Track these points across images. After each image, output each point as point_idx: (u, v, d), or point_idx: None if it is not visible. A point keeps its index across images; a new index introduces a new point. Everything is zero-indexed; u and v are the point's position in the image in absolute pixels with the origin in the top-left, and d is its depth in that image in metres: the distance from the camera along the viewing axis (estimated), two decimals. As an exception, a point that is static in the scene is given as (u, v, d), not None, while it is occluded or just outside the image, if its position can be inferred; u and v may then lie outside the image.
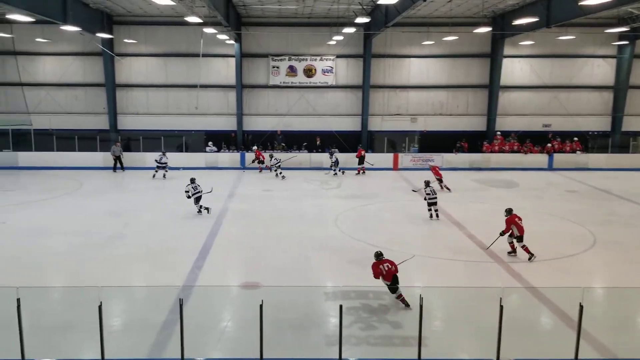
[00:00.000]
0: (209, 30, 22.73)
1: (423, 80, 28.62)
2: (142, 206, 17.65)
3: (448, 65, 28.56)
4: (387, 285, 9.67)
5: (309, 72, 28.13)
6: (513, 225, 12.44)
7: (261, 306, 7.00)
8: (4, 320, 7.84)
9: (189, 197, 16.29)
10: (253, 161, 25.33)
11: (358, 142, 28.18)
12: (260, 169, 25.08)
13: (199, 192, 16.36)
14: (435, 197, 16.06)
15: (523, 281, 11.11)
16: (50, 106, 27.96)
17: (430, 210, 16.16)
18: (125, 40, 26.85)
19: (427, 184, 16.41)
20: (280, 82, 28.14)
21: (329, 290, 10.38)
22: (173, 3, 16.28)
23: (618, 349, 8.27)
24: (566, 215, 16.92)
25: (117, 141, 25.44)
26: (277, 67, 28.05)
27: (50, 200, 18.50)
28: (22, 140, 26.67)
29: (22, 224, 15.24)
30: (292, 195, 19.77)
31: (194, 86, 26.93)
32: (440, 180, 20.48)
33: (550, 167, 26.55)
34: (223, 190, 20.38)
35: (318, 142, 27.74)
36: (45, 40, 26.44)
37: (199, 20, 19.03)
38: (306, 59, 28.03)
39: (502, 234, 12.61)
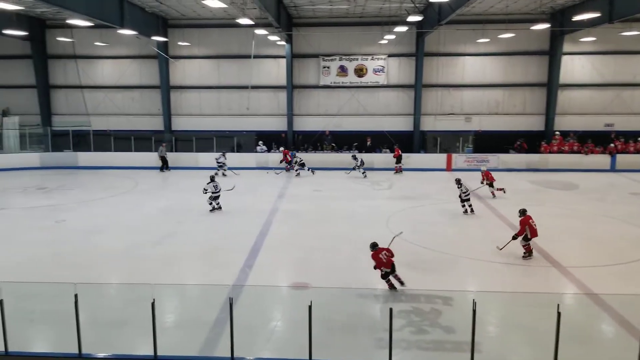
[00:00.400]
0: (260, 31, 22.97)
1: (478, 78, 27.92)
2: (195, 205, 17.97)
3: (504, 63, 27.72)
4: (385, 272, 10.08)
5: (360, 71, 27.97)
6: (527, 227, 12.04)
7: (310, 307, 6.94)
8: (62, 315, 8.07)
9: (205, 192, 16.82)
10: (281, 162, 25.35)
11: (410, 142, 27.83)
12: (287, 169, 25.08)
13: (218, 190, 16.82)
14: (469, 194, 16.70)
15: (582, 287, 10.60)
16: (108, 108, 29.03)
17: (464, 206, 16.70)
18: (179, 43, 27.52)
19: (458, 181, 16.88)
20: (331, 82, 28.10)
21: (379, 293, 10.21)
22: (225, 6, 16.50)
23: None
24: (628, 218, 16.06)
25: (163, 142, 26.15)
26: (328, 67, 28.03)
27: (107, 199, 19.15)
28: (81, 140, 27.84)
29: (81, 222, 15.78)
30: (343, 196, 19.67)
31: (245, 87, 27.29)
32: (490, 185, 19.55)
33: (613, 169, 25.32)
34: (273, 190, 20.56)
35: (369, 143, 27.52)
36: (104, 44, 27.53)
37: (251, 22, 19.21)
38: (357, 59, 27.88)
39: (516, 237, 12.21)
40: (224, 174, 23.73)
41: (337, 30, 27.36)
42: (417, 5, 22.33)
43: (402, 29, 22.50)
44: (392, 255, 10.11)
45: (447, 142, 27.42)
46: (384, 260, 10.06)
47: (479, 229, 15.25)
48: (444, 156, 26.08)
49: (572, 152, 26.04)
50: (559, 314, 6.90)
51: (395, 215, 16.62)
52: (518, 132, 27.66)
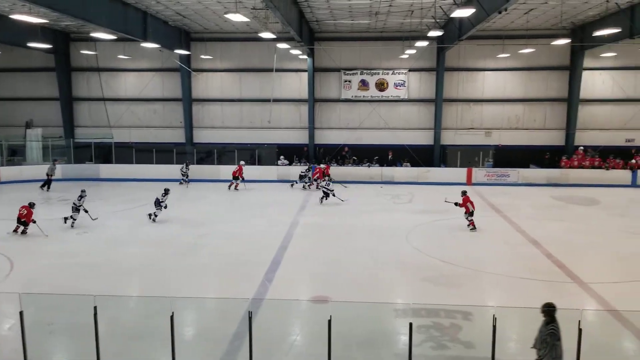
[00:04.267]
0: (282, 45, 23.28)
1: (498, 93, 27.87)
2: (216, 218, 18.17)
3: (524, 78, 27.65)
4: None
5: (381, 85, 28.12)
6: (469, 204, 16.19)
7: (329, 321, 7.01)
8: (82, 326, 8.15)
9: (159, 208, 17.32)
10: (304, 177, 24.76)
11: (431, 156, 27.82)
12: (311, 184, 24.30)
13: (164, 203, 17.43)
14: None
15: (604, 303, 10.50)
16: (130, 120, 29.55)
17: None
18: (202, 56, 27.97)
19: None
20: (352, 96, 28.29)
21: (399, 307, 10.23)
22: (247, 20, 16.78)
23: None
24: (652, 235, 15.87)
25: (55, 160, 25.84)
26: (349, 81, 28.24)
27: (129, 211, 19.37)
28: (103, 152, 28.28)
29: (103, 234, 15.95)
30: (364, 209, 19.71)
31: (267, 100, 27.57)
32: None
33: (634, 184, 24.98)
34: (294, 203, 20.67)
35: (390, 156, 27.57)
36: (127, 57, 28.02)
37: (273, 36, 19.49)
38: (378, 73, 28.05)
39: (457, 204, 16.36)
40: (183, 183, 24.58)
41: (358, 44, 27.60)
42: (438, 20, 22.43)
43: (422, 44, 22.62)
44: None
45: (467, 156, 27.35)
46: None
47: (500, 244, 15.17)
48: (464, 170, 26.00)
49: (593, 167, 25.78)
50: (580, 330, 6.89)
51: (416, 229, 16.63)
52: (538, 147, 27.55)
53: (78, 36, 28.61)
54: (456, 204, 16.45)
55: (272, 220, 17.72)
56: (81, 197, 16.77)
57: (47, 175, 23.68)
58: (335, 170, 25.44)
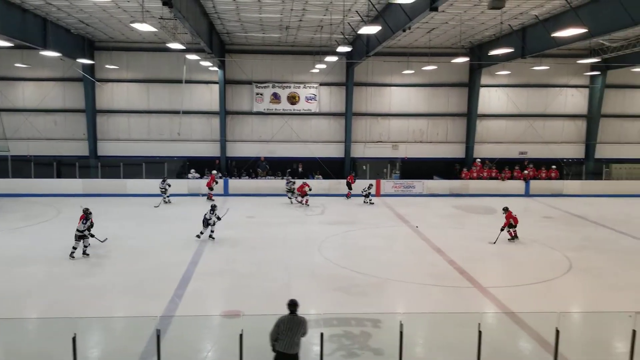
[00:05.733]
0: (192, 56, 22.95)
1: (404, 108, 29.12)
2: (123, 234, 17.48)
3: (428, 94, 29.12)
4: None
5: (293, 99, 28.44)
6: (510, 219, 16.64)
7: (241, 335, 7.01)
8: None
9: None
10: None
11: (341, 168, 28.45)
12: (211, 196, 24.26)
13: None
14: None
15: (501, 306, 11.26)
16: (29, 132, 27.67)
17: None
18: (107, 66, 26.84)
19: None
20: (264, 109, 28.37)
21: (311, 318, 10.34)
22: (155, 30, 16.39)
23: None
24: (543, 240, 17.24)
25: None
26: (261, 94, 28.31)
27: (27, 228, 18.25)
28: (-1, 166, 26.32)
29: (-1, 252, 14.94)
30: (276, 222, 19.79)
31: (177, 112, 26.98)
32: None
33: (527, 194, 27.02)
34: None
35: (300, 169, 27.91)
36: (25, 66, 26.23)
37: (182, 47, 19.17)
38: (290, 87, 28.37)
39: (503, 228, 16.61)
40: (165, 201, 23.12)
41: (270, 57, 27.77)
42: (347, 36, 23.15)
43: (332, 58, 23.20)
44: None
45: (376, 168, 28.27)
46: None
47: (407, 252, 15.82)
48: (373, 182, 26.77)
49: (491, 178, 27.61)
50: (479, 332, 7.36)
51: (328, 240, 16.94)
52: (441, 159, 29.05)
53: (-31, 42, 26.51)
54: (502, 229, 16.77)
55: (182, 235, 17.29)
56: None
57: None
58: (246, 184, 25.46)
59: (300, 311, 10.90)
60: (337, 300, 11.45)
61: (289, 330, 7.24)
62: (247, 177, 27.51)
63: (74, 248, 14.41)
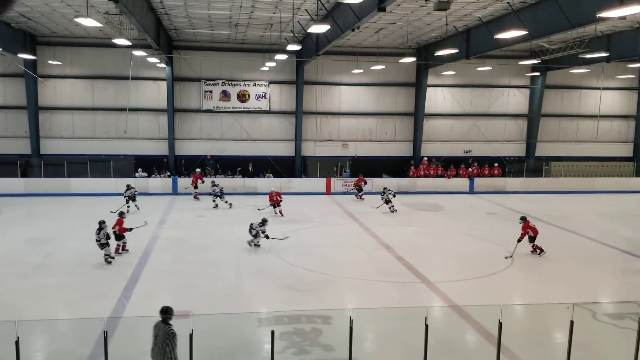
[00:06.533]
0: (139, 53, 22.44)
1: (353, 107, 29.48)
2: (68, 234, 16.97)
3: (376, 93, 29.58)
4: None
5: (243, 97, 28.28)
6: (528, 229, 14.89)
7: (191, 335, 7.00)
8: None
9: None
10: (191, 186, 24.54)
11: (292, 167, 28.51)
12: (196, 195, 24.31)
13: None
14: None
15: (448, 300, 11.63)
16: (-35, 129, 26.45)
17: None
18: (50, 62, 25.95)
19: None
20: (214, 107, 28.08)
21: (261, 316, 10.42)
22: (100, 25, 15.98)
23: (534, 363, 8.83)
24: (486, 236, 17.84)
25: None
26: (210, 92, 28.01)
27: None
28: None
29: None
30: (226, 221, 19.65)
31: (123, 110, 26.31)
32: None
33: (472, 191, 27.91)
34: (154, 217, 19.95)
35: (251, 168, 27.79)
36: (-39, 60, 25.11)
37: (128, 43, 18.71)
38: (240, 84, 28.19)
39: (520, 240, 14.90)
40: (135, 207, 21.22)
41: (219, 55, 27.51)
42: (296, 35, 23.21)
43: (282, 57, 23.24)
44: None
45: (326, 167, 28.49)
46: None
47: (358, 249, 16.06)
48: (324, 181, 27.03)
49: (437, 176, 28.36)
50: (426, 326, 7.61)
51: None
52: (390, 158, 29.59)
53: None
54: (519, 240, 14.83)
55: (130, 235, 16.89)
56: None
57: None
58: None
59: (251, 309, 10.99)
60: (288, 298, 11.53)
61: (155, 337, 7.19)
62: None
63: (106, 254, 13.93)
